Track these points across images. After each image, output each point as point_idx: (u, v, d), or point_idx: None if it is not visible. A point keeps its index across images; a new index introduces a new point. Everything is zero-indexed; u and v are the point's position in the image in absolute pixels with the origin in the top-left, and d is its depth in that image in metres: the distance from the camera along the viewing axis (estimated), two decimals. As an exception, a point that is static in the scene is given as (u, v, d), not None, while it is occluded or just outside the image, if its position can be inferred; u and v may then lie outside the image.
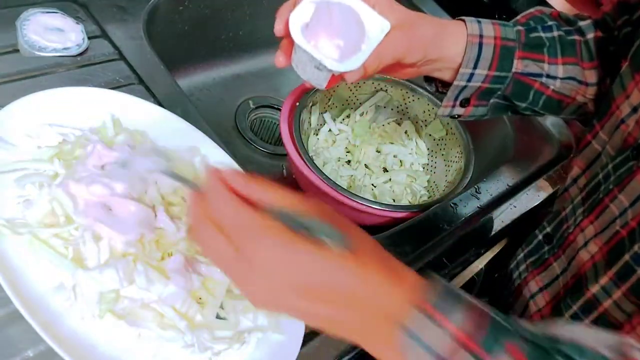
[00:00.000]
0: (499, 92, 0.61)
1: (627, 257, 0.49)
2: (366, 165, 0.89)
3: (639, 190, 0.50)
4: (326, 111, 0.87)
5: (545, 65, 0.60)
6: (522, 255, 0.67)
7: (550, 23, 0.62)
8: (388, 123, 0.91)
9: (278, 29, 0.50)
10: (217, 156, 0.63)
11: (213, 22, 0.90)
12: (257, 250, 0.35)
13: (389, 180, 0.87)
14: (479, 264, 0.83)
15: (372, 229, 0.71)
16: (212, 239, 0.37)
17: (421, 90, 0.86)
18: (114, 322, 0.47)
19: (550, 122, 0.91)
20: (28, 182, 0.49)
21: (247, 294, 0.38)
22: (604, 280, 0.52)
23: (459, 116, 0.64)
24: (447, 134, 0.86)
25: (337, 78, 0.52)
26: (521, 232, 0.80)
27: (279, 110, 0.93)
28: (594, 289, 0.53)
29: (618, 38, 0.61)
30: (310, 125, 0.84)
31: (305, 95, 0.77)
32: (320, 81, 0.52)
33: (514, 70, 0.59)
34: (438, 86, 0.64)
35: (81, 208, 0.49)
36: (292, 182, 0.81)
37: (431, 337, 0.35)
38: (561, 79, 0.61)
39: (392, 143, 0.91)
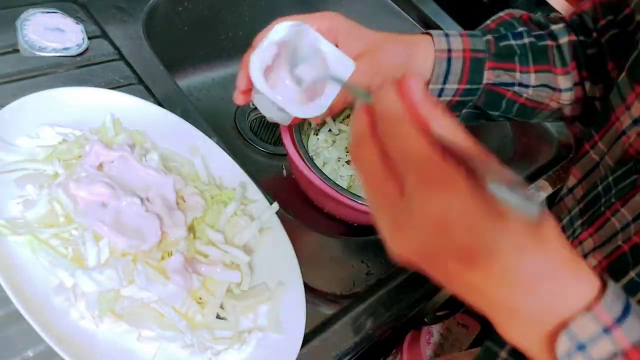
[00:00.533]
0: (471, 104, 0.60)
1: (632, 274, 0.47)
2: (366, 166, 0.88)
3: None
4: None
5: (517, 74, 0.59)
6: None
7: (520, 29, 0.60)
8: (388, 123, 0.91)
9: (240, 81, 0.49)
10: (217, 156, 0.63)
11: (213, 22, 0.90)
12: (433, 198, 0.28)
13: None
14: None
15: (372, 229, 0.71)
16: (376, 167, 0.30)
17: (421, 90, 0.86)
18: (114, 322, 0.47)
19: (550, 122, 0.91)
20: (28, 182, 0.49)
21: (393, 241, 0.31)
22: None
23: None
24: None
25: (299, 120, 0.51)
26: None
27: (279, 110, 0.93)
28: None
29: (599, 40, 0.60)
30: (310, 125, 0.84)
31: (305, 95, 0.77)
32: (284, 120, 0.52)
33: (485, 81, 0.58)
34: None
35: (81, 208, 0.49)
36: (292, 182, 0.81)
37: (600, 351, 0.30)
38: (533, 86, 0.60)
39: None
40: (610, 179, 0.53)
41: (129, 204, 0.50)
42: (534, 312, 0.31)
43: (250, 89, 0.51)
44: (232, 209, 0.58)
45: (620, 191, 0.51)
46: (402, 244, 0.30)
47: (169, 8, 0.82)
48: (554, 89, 0.60)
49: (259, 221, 0.58)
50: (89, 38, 0.67)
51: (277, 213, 0.61)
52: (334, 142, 0.89)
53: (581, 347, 0.30)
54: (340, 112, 0.49)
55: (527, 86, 0.60)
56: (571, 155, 0.88)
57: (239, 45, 0.97)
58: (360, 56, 0.49)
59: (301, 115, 0.47)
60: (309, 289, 0.57)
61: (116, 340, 0.46)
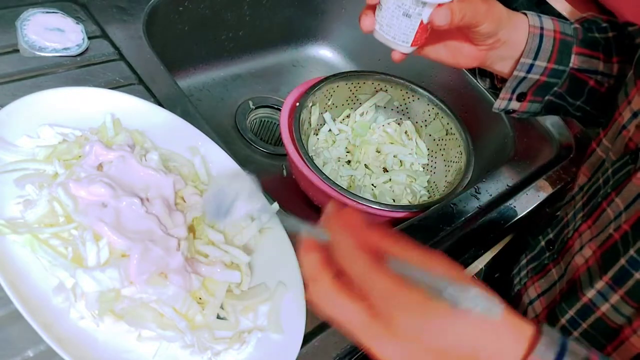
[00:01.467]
0: (555, 88, 0.62)
1: (622, 261, 0.49)
2: (366, 165, 0.89)
3: (634, 193, 0.49)
4: (326, 111, 0.87)
5: (601, 64, 0.61)
6: (524, 261, 0.67)
7: (604, 25, 0.63)
8: (388, 123, 0.91)
9: (366, 24, 0.53)
10: (217, 156, 0.63)
11: (213, 22, 0.90)
12: (399, 314, 0.34)
13: (389, 180, 0.87)
14: (479, 264, 0.83)
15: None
16: (342, 297, 0.35)
17: (421, 90, 0.86)
18: (114, 322, 0.47)
19: (550, 122, 0.91)
20: (28, 182, 0.49)
21: (378, 355, 0.36)
22: (599, 284, 0.51)
23: (514, 111, 0.65)
24: (447, 134, 0.86)
25: (423, 35, 0.53)
26: (521, 233, 0.80)
27: (279, 110, 0.93)
28: (590, 293, 0.52)
29: None
30: (310, 125, 0.84)
31: (305, 95, 0.77)
32: (407, 35, 0.52)
33: (571, 65, 0.60)
34: (495, 81, 0.65)
35: (81, 208, 0.49)
36: (292, 182, 0.81)
37: None
38: (615, 77, 0.61)
39: (392, 143, 0.91)
40: (610, 171, 0.54)
41: (129, 204, 0.50)
42: None
43: (375, 5, 0.53)
44: (232, 209, 0.58)
45: (616, 182, 0.53)
46: (389, 356, 0.35)
47: (169, 8, 0.82)
48: None
49: (259, 221, 0.58)
50: (89, 38, 0.67)
51: (277, 213, 0.60)
52: (334, 142, 0.89)
53: None
54: (458, 22, 0.53)
55: (609, 76, 0.61)
56: (571, 155, 0.88)
57: (239, 45, 0.97)
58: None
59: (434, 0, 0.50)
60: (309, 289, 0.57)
61: (116, 340, 0.46)
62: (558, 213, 0.66)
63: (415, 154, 0.90)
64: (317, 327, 0.56)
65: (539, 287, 0.62)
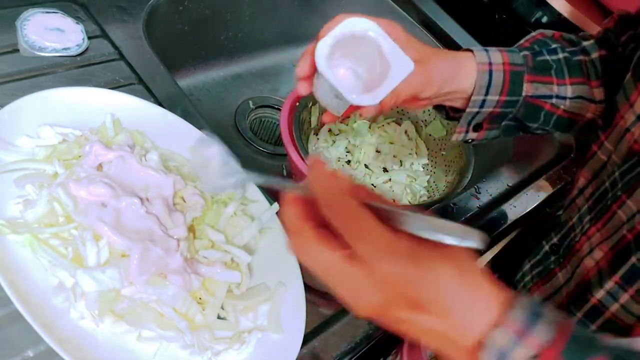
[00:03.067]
0: (511, 115, 0.62)
1: (633, 259, 0.49)
2: (366, 165, 0.88)
3: None
4: (326, 111, 0.87)
5: (555, 87, 0.61)
6: (528, 266, 0.66)
7: (554, 46, 0.63)
8: (388, 123, 0.91)
9: (301, 68, 0.52)
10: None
11: (213, 22, 0.90)
12: (381, 258, 0.33)
13: (388, 180, 0.87)
14: (479, 264, 0.83)
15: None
16: (322, 247, 0.35)
17: (421, 90, 0.86)
18: (114, 322, 0.47)
19: (550, 122, 0.91)
20: (28, 182, 0.49)
21: (353, 302, 0.35)
22: (609, 285, 0.51)
23: (472, 140, 0.65)
24: (447, 134, 0.86)
25: (353, 109, 0.53)
26: (521, 233, 0.80)
27: (279, 110, 0.93)
28: (599, 294, 0.52)
29: (623, 55, 0.62)
30: (310, 125, 0.84)
31: (305, 95, 0.77)
32: (338, 109, 0.54)
33: (524, 93, 0.60)
34: (449, 112, 0.65)
35: (81, 208, 0.49)
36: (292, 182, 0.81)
37: (516, 355, 0.34)
38: (570, 98, 0.62)
39: (392, 143, 0.91)
40: (617, 174, 0.54)
41: (129, 204, 0.50)
42: (459, 337, 0.35)
43: (311, 75, 0.53)
44: (232, 209, 0.58)
45: (625, 184, 0.52)
46: (364, 303, 0.35)
47: (169, 8, 0.82)
48: (590, 100, 0.62)
49: (259, 222, 0.58)
50: (89, 38, 0.67)
51: (277, 213, 0.60)
52: (334, 142, 0.89)
53: (503, 356, 0.34)
54: (388, 109, 0.53)
55: (564, 98, 0.62)
56: (572, 155, 0.88)
57: (239, 45, 0.97)
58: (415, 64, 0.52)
59: (356, 102, 0.50)
60: (309, 289, 0.57)
61: (116, 340, 0.46)
62: (559, 213, 0.66)
63: (415, 153, 0.90)
64: (317, 327, 0.56)
65: (544, 292, 0.61)
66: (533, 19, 0.99)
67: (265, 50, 1.01)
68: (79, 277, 0.45)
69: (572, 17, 0.95)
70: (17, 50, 0.62)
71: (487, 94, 0.59)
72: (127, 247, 0.48)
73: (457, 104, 0.61)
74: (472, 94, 0.59)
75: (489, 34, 1.01)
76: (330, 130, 0.89)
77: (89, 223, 0.48)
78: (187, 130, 0.63)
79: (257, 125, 0.97)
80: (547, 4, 0.97)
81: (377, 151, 0.90)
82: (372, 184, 0.87)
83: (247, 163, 0.65)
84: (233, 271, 0.53)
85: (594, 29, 0.92)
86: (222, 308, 0.52)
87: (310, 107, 0.81)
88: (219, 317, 0.51)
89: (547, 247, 0.64)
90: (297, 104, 0.76)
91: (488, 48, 0.61)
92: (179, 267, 0.49)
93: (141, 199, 0.51)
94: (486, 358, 0.34)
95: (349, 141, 0.90)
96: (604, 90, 0.62)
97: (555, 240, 0.63)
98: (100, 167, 0.53)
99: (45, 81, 0.61)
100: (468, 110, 0.60)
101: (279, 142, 0.95)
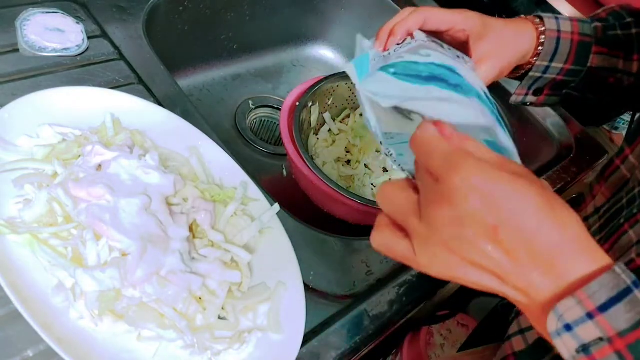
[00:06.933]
0: (573, 84, 0.61)
1: None
2: (366, 165, 0.88)
3: None
4: (326, 111, 0.87)
5: (620, 62, 0.60)
6: None
7: (628, 20, 0.62)
8: (388, 123, 0.91)
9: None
10: (217, 156, 0.63)
11: (213, 22, 0.90)
12: (467, 180, 0.30)
13: (388, 180, 0.87)
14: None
15: (372, 229, 0.71)
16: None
17: (421, 90, 0.86)
18: (114, 322, 0.47)
19: (550, 122, 0.91)
20: (27, 182, 0.49)
21: (430, 227, 0.32)
22: None
23: (531, 103, 0.65)
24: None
25: None
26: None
27: (279, 110, 0.93)
28: None
29: None
30: (310, 125, 0.84)
31: (305, 95, 0.77)
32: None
33: (589, 64, 0.60)
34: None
35: (81, 208, 0.49)
36: (292, 182, 0.81)
37: (586, 334, 0.31)
38: (635, 74, 0.61)
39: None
40: (637, 190, 0.50)
41: (128, 204, 0.50)
42: (545, 287, 0.31)
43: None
44: (233, 209, 0.58)
45: None
46: (438, 230, 0.32)
47: (169, 8, 0.82)
48: None
49: (260, 222, 0.58)
50: (89, 38, 0.67)
51: (277, 213, 0.61)
52: (334, 142, 0.89)
53: (568, 328, 0.31)
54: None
55: (629, 74, 0.61)
56: (571, 155, 0.88)
57: (239, 45, 0.97)
58: (485, 57, 0.53)
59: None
60: (309, 289, 0.57)
61: (116, 340, 0.46)
62: None
63: (415, 154, 0.90)
64: (317, 327, 0.56)
65: None
66: (533, 19, 0.99)
67: (265, 50, 1.01)
68: (79, 277, 0.45)
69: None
70: (17, 50, 0.62)
71: (551, 60, 0.59)
72: (127, 247, 0.48)
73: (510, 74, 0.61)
74: (531, 60, 0.59)
75: (489, 34, 1.01)
76: (330, 130, 0.89)
77: (89, 223, 0.48)
78: (187, 130, 0.63)
79: (257, 125, 0.97)
80: (547, 4, 0.97)
81: (377, 151, 0.90)
82: (372, 184, 0.87)
83: (247, 163, 0.65)
84: (233, 271, 0.53)
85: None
86: (222, 308, 0.52)
87: (311, 107, 0.81)
88: (219, 317, 0.51)
89: None
90: (297, 104, 0.76)
91: (559, 16, 0.61)
92: (179, 266, 0.49)
93: (141, 199, 0.51)
94: (553, 324, 0.31)
95: (349, 141, 0.89)
96: None
97: None
98: (99, 167, 0.53)
99: (45, 81, 0.61)
100: (531, 74, 0.60)
101: (279, 142, 0.95)
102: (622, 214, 0.51)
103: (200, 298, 0.50)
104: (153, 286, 0.47)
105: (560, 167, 0.86)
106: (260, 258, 0.57)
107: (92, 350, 0.44)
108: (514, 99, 0.64)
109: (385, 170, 0.89)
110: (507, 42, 0.57)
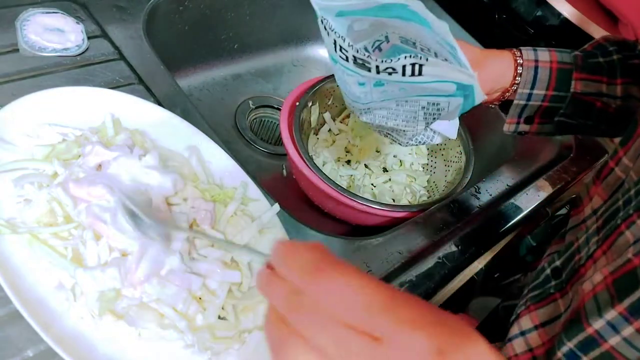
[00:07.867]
0: (561, 111, 0.62)
1: None
2: (366, 165, 0.89)
3: None
4: (326, 111, 0.87)
5: (604, 86, 0.61)
6: (525, 290, 0.59)
7: (611, 49, 0.63)
8: (388, 123, 0.91)
9: None
10: (217, 156, 0.63)
11: (213, 22, 0.90)
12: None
13: (388, 180, 0.87)
14: (479, 264, 0.83)
15: (372, 229, 0.71)
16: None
17: (421, 90, 0.86)
18: (114, 321, 0.47)
19: (550, 122, 0.91)
20: (27, 181, 0.49)
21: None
22: (610, 314, 0.44)
23: (525, 132, 0.66)
24: (447, 134, 0.86)
25: None
26: (521, 232, 0.80)
27: (279, 110, 0.93)
28: (597, 324, 0.45)
29: None
30: (310, 125, 0.84)
31: (305, 95, 0.77)
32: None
33: (572, 90, 0.60)
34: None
35: (81, 208, 0.49)
36: (292, 182, 0.81)
37: None
38: (621, 97, 0.61)
39: (391, 143, 0.91)
40: (632, 191, 0.50)
41: (128, 203, 0.50)
42: None
43: None
44: (233, 209, 0.58)
45: (639, 202, 0.48)
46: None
47: (169, 8, 0.82)
48: None
49: (260, 222, 0.58)
50: (89, 38, 0.67)
51: (277, 213, 0.60)
52: (334, 142, 0.89)
53: None
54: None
55: (614, 97, 0.61)
56: (571, 155, 0.88)
57: (239, 45, 0.97)
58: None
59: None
60: (309, 289, 0.57)
61: (116, 340, 0.46)
62: (564, 231, 0.62)
63: (415, 153, 0.90)
64: (317, 327, 0.56)
65: (536, 318, 0.54)
66: (533, 19, 0.99)
67: (265, 50, 1.01)
68: (79, 277, 0.45)
69: (573, 18, 0.95)
70: (17, 50, 0.62)
71: (532, 87, 0.61)
72: (127, 247, 0.48)
73: (494, 97, 0.64)
74: (510, 87, 0.61)
75: (489, 33, 1.01)
76: (330, 130, 0.89)
77: (89, 223, 0.48)
78: (187, 130, 0.63)
79: (257, 125, 0.97)
80: (547, 4, 0.97)
81: (377, 151, 0.90)
82: (372, 184, 0.87)
83: (247, 163, 0.65)
84: (233, 271, 0.53)
85: (595, 29, 0.92)
86: (222, 308, 0.52)
87: (311, 107, 0.81)
88: (219, 317, 0.51)
89: (548, 271, 0.57)
90: (297, 104, 0.76)
91: (537, 48, 0.62)
92: (179, 266, 0.49)
93: (141, 199, 0.51)
94: None
95: (349, 141, 0.90)
96: None
97: (557, 263, 0.56)
98: (99, 167, 0.53)
99: (45, 81, 0.61)
100: (515, 102, 0.61)
101: (279, 142, 0.95)
102: (618, 214, 0.50)
103: (200, 298, 0.50)
104: (153, 286, 0.48)
105: (561, 167, 0.86)
106: (260, 258, 0.57)
107: (92, 350, 0.44)
108: (506, 127, 0.66)
109: (385, 170, 0.89)
110: (484, 68, 0.59)
